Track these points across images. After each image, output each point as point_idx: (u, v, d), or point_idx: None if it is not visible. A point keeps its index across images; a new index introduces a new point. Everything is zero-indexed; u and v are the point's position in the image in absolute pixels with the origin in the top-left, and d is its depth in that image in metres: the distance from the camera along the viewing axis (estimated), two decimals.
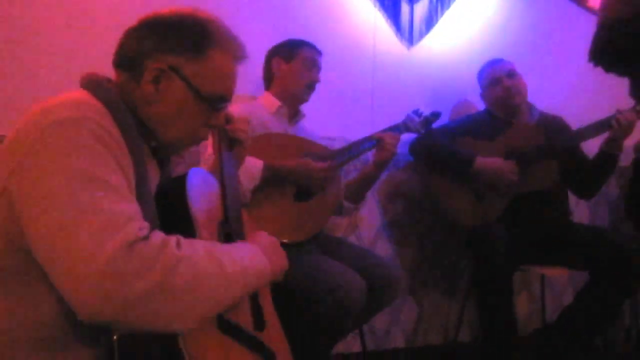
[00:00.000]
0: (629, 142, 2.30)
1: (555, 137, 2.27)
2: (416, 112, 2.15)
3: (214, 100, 1.03)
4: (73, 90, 0.95)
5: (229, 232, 1.10)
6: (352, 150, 2.00)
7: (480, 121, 2.44)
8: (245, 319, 1.02)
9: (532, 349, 2.20)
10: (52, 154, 0.81)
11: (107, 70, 1.03)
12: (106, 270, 0.74)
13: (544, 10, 2.90)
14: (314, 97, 2.07)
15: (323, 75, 2.06)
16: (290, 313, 1.28)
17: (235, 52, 1.04)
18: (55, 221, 0.77)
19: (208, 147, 1.72)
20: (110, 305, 0.74)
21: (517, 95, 2.36)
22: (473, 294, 2.28)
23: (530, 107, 2.44)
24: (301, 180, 1.86)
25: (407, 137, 2.23)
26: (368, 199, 2.26)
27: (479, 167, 2.23)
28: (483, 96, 2.50)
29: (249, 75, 2.17)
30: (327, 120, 2.33)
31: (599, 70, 1.57)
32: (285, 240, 1.80)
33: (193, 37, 0.99)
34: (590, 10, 2.91)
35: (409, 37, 2.59)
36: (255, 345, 1.01)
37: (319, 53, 2.06)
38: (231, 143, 1.24)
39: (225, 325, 0.94)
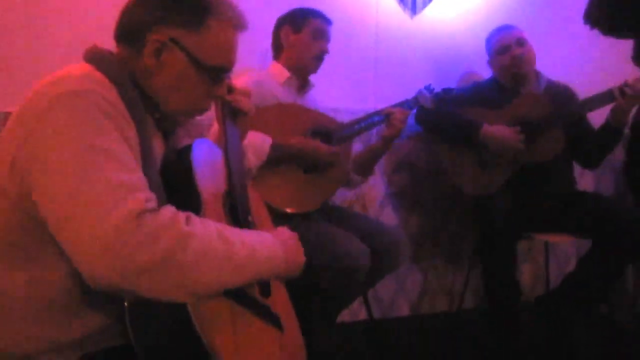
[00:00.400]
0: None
1: (561, 106, 2.25)
2: (428, 88, 2.12)
3: (215, 71, 1.04)
4: (77, 63, 0.96)
5: (234, 202, 1.12)
6: (361, 123, 2.00)
7: (487, 90, 2.41)
8: (251, 286, 1.04)
9: (536, 315, 2.23)
10: (59, 126, 0.82)
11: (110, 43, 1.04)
12: (112, 238, 0.76)
13: None
14: None
15: None
16: (296, 280, 1.31)
17: (235, 21, 1.05)
18: (62, 192, 0.79)
19: (213, 123, 1.73)
20: (115, 273, 0.77)
21: (525, 63, 2.32)
22: (477, 262, 2.30)
23: (538, 75, 2.41)
24: (309, 161, 1.87)
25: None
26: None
27: (486, 135, 2.23)
28: (490, 63, 2.45)
29: (256, 44, 2.17)
30: (330, 91, 2.33)
31: (610, 38, 1.53)
32: (290, 210, 1.82)
33: (192, 8, 1.00)
34: None
35: (412, 6, 2.56)
36: (261, 311, 1.03)
37: (329, 22, 2.03)
38: (234, 114, 1.25)
39: (232, 291, 0.96)
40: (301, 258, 1.08)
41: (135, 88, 0.98)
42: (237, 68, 1.12)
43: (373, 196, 2.53)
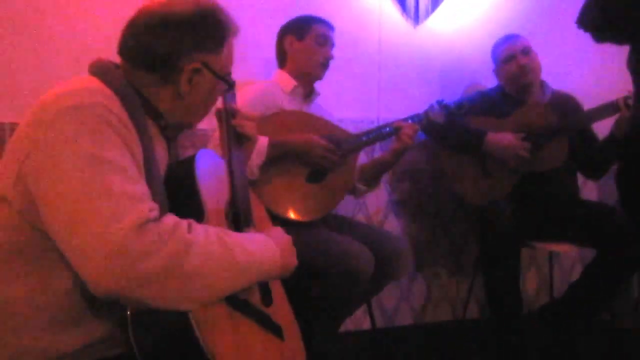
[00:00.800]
0: None
1: (565, 116, 2.25)
2: (439, 103, 2.10)
3: (228, 76, 1.11)
4: (82, 76, 0.98)
5: (237, 212, 1.13)
6: (370, 135, 2.00)
7: (492, 98, 2.41)
8: (253, 295, 1.05)
9: (539, 324, 2.23)
10: (65, 138, 0.84)
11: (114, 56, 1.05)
12: (116, 250, 0.77)
13: None
14: None
15: None
16: (297, 288, 1.31)
17: (234, 29, 1.09)
18: (67, 202, 0.80)
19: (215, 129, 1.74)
20: (118, 282, 0.78)
21: (530, 73, 2.32)
22: (481, 271, 2.30)
23: (543, 84, 2.42)
24: (305, 156, 1.86)
25: None
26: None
27: (490, 143, 2.23)
28: (496, 72, 2.45)
29: (259, 54, 2.18)
30: (333, 101, 2.34)
31: (614, 47, 1.51)
32: (295, 217, 1.83)
33: (217, 31, 1.05)
34: None
35: (415, 15, 2.57)
36: (263, 320, 1.04)
37: (331, 28, 2.03)
38: (238, 137, 1.25)
39: (234, 300, 0.97)
40: (294, 261, 1.11)
41: (139, 98, 0.99)
42: (242, 78, 1.15)
43: (376, 204, 2.53)
